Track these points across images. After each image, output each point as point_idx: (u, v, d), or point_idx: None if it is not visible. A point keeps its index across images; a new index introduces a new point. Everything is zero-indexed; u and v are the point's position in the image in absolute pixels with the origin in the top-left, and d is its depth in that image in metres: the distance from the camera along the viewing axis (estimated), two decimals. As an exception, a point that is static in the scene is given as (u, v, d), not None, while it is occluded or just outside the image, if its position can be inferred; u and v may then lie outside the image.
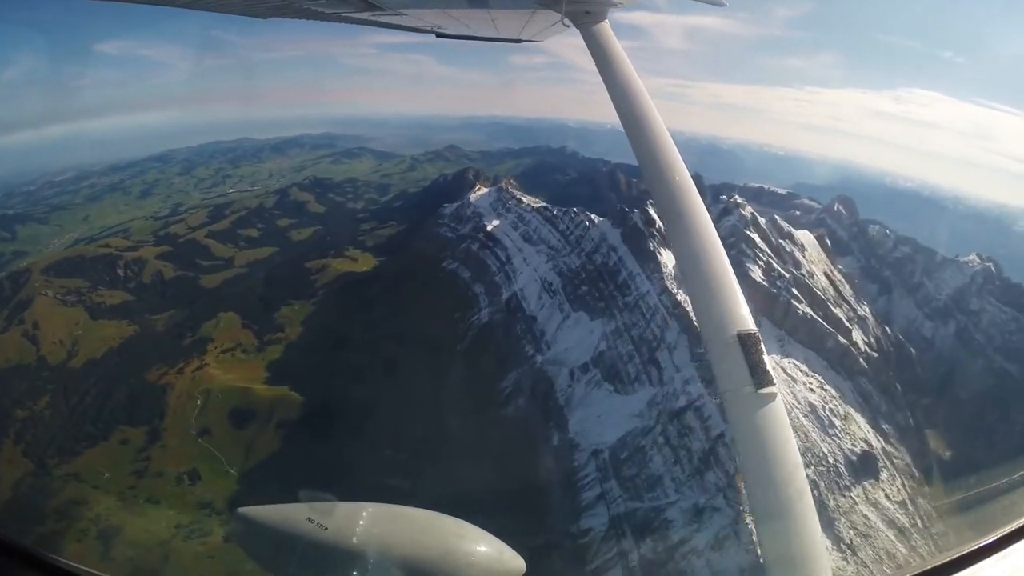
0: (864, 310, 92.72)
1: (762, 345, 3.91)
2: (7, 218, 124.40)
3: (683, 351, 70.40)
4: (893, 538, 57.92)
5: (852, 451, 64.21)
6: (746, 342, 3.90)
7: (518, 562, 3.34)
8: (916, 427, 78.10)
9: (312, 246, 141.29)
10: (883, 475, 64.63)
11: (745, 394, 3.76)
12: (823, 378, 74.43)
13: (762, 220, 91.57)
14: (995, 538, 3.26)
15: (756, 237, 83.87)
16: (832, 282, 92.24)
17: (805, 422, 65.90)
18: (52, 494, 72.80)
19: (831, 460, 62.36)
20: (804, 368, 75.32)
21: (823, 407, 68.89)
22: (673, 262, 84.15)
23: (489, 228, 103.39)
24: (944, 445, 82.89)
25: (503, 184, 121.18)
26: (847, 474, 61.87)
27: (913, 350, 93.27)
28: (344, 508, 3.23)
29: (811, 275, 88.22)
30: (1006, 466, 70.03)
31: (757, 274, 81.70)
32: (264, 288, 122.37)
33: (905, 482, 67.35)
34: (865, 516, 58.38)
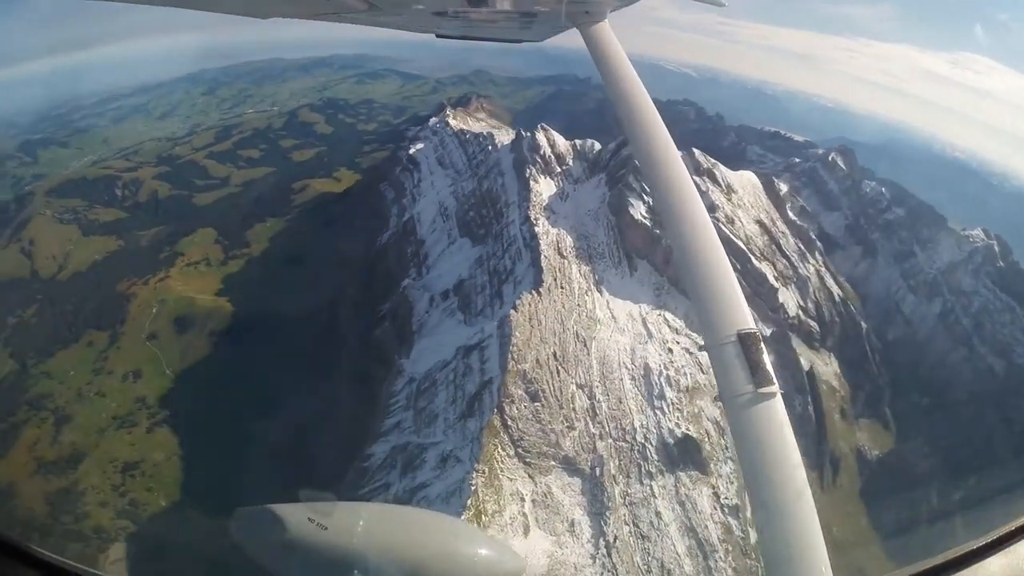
0: (809, 270, 77.34)
1: (762, 344, 3.85)
2: (31, 143, 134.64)
3: (526, 286, 64.40)
4: (680, 551, 45.79)
5: (673, 432, 51.80)
6: (746, 341, 3.84)
7: (518, 562, 3.25)
8: (818, 416, 64.07)
9: (308, 167, 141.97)
10: (724, 468, 51.97)
11: (745, 393, 3.69)
12: (701, 340, 64.21)
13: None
14: (998, 535, 3.15)
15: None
16: (769, 232, 77.91)
17: (628, 385, 54.65)
18: (26, 389, 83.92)
19: (639, 437, 50.99)
20: (676, 324, 63.32)
21: (662, 372, 56.37)
22: (551, 191, 76.14)
23: (412, 151, 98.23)
24: (881, 441, 69.30)
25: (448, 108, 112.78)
26: (656, 458, 50.41)
27: (864, 324, 77.01)
28: (344, 508, 3.10)
29: (732, 221, 75.22)
30: (952, 477, 59.05)
31: (639, 211, 70.66)
32: (247, 206, 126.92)
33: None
34: (658, 514, 47.17)
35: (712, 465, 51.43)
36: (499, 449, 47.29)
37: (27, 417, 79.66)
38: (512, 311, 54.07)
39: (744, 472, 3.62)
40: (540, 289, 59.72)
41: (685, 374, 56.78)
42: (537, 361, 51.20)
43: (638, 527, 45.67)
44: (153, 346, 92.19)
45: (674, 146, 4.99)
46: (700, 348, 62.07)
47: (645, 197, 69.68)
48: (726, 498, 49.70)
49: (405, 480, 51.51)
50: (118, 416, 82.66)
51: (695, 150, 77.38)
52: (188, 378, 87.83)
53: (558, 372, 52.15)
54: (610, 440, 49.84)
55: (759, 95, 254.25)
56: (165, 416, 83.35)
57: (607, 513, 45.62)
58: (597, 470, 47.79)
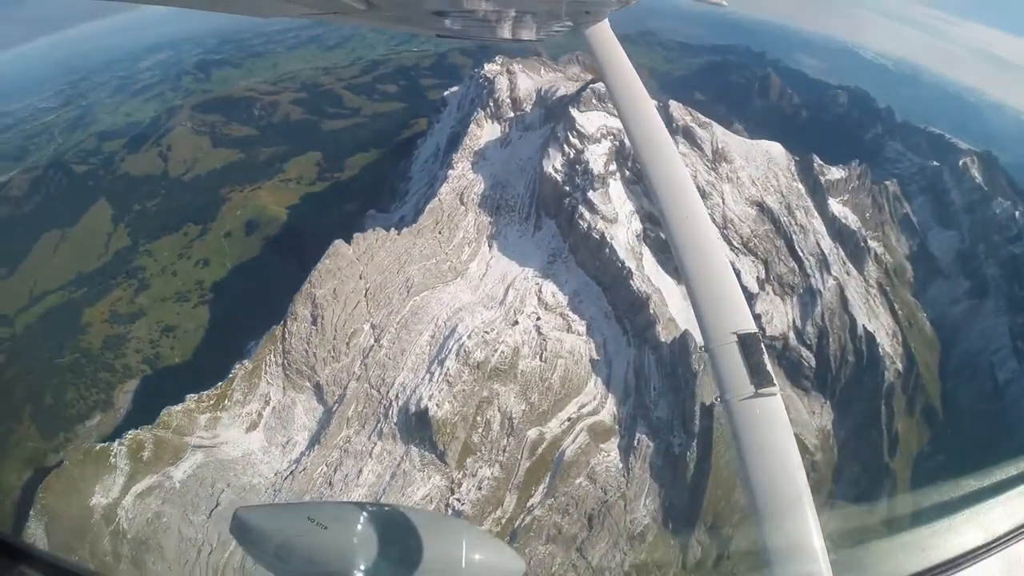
0: (826, 284, 63.53)
1: (762, 346, 4.12)
2: (207, 62, 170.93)
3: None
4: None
5: (419, 402, 49.17)
6: (746, 343, 4.11)
7: (518, 563, 3.42)
8: (704, 436, 51.93)
9: (435, 107, 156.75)
10: (485, 471, 48.83)
11: (745, 395, 3.93)
12: (583, 328, 57.50)
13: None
14: (996, 536, 3.33)
15: (579, 115, 66.97)
16: (774, 221, 64.62)
17: (423, 341, 53.73)
18: (130, 261, 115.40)
19: (391, 394, 50.49)
20: (553, 299, 58.72)
21: (462, 340, 52.50)
22: (493, 136, 75.97)
23: (446, 94, 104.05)
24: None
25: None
26: (394, 421, 49.66)
27: (891, 376, 60.68)
28: (344, 508, 3.30)
29: (706, 195, 63.58)
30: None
31: (554, 162, 64.84)
32: (361, 136, 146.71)
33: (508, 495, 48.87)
34: (359, 473, 47.25)
35: (466, 460, 48.64)
36: (271, 355, 54.47)
37: (120, 282, 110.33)
38: (339, 241, 59.32)
39: (744, 472, 3.78)
40: (405, 229, 63.35)
41: (501, 352, 52.68)
42: (333, 291, 55.87)
43: (332, 474, 46.74)
44: (226, 242, 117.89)
45: (673, 146, 5.26)
46: (569, 331, 58.94)
47: (566, 148, 65.99)
48: (457, 499, 46.92)
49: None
50: (179, 291, 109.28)
51: (672, 102, 68.92)
52: (237, 270, 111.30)
53: (356, 306, 56.10)
54: (366, 385, 52.67)
55: (958, 100, 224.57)
56: (210, 297, 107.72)
57: (316, 447, 49.63)
58: (336, 406, 51.79)
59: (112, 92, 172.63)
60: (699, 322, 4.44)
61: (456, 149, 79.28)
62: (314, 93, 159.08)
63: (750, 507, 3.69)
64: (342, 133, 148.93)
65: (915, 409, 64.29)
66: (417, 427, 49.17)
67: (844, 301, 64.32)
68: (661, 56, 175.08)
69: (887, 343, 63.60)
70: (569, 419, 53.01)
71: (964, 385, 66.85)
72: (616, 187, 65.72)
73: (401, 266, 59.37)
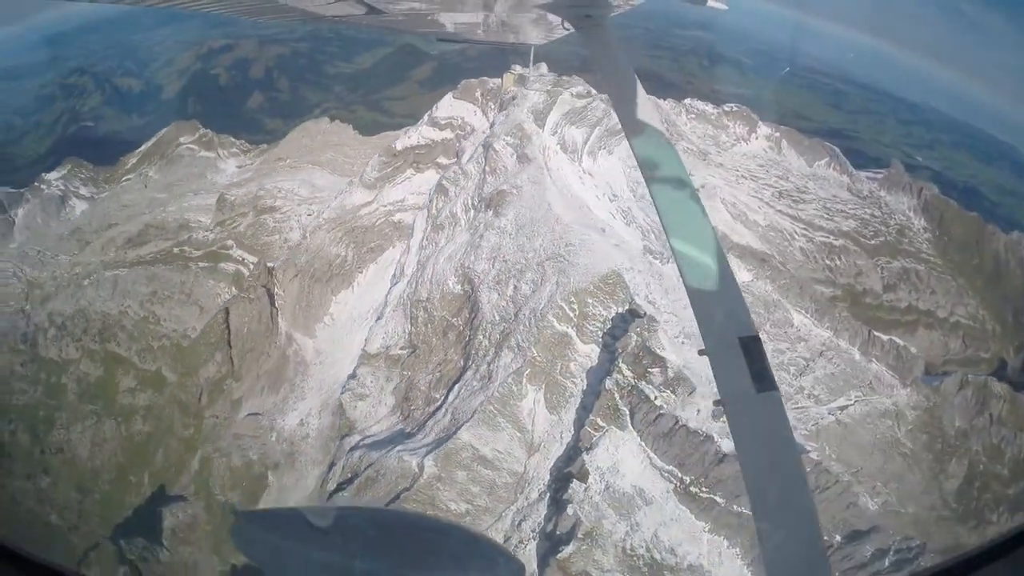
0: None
1: (764, 349, 4.38)
2: None
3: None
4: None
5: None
6: (748, 345, 4.39)
7: (516, 567, 3.57)
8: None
9: None
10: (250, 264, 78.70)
11: (747, 397, 4.18)
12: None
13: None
14: (1002, 541, 3.42)
15: (448, 100, 74.51)
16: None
17: (283, 182, 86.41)
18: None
19: (244, 196, 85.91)
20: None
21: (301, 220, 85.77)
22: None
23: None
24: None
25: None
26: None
27: None
28: (344, 512, 3.60)
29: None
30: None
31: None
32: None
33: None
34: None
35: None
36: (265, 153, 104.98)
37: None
38: (324, 119, 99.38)
39: (745, 476, 4.01)
40: (364, 136, 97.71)
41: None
42: (296, 141, 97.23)
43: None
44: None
45: (675, 149, 5.82)
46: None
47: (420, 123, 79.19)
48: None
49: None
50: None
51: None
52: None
53: (292, 152, 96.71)
54: (251, 184, 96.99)
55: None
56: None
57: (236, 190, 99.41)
58: (238, 185, 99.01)
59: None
60: (699, 324, 4.69)
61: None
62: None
63: (751, 509, 3.87)
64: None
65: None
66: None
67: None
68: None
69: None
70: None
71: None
72: (424, 177, 76.00)
73: (331, 148, 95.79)
